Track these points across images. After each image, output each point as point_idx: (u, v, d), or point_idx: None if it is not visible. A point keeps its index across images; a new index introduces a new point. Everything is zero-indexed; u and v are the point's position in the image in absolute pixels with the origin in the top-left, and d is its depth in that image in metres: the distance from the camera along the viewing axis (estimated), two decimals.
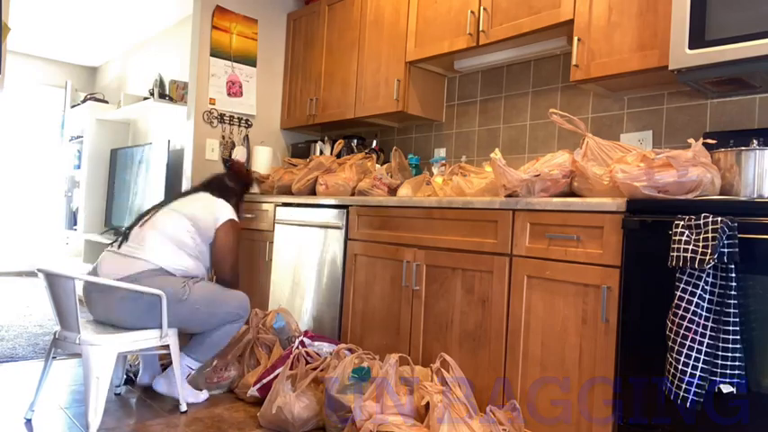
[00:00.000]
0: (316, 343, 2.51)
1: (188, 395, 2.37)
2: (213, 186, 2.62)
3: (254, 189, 3.54)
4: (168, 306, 2.18)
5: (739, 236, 1.48)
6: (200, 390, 2.45)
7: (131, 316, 2.14)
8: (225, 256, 2.42)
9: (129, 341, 2.11)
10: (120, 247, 2.27)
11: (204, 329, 2.34)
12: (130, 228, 2.35)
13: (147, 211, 2.41)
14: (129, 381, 2.59)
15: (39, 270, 2.06)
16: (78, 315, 2.00)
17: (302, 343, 2.48)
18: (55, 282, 2.03)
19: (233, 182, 2.70)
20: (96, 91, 6.33)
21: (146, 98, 4.74)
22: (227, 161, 2.78)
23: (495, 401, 2.05)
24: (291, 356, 2.29)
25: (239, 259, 2.50)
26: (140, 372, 2.56)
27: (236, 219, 2.49)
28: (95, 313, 2.21)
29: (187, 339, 2.43)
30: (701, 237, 1.48)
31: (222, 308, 2.32)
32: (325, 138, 3.78)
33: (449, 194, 2.38)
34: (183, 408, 2.26)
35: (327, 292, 2.85)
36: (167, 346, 2.25)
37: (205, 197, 2.49)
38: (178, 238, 2.30)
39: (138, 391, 2.50)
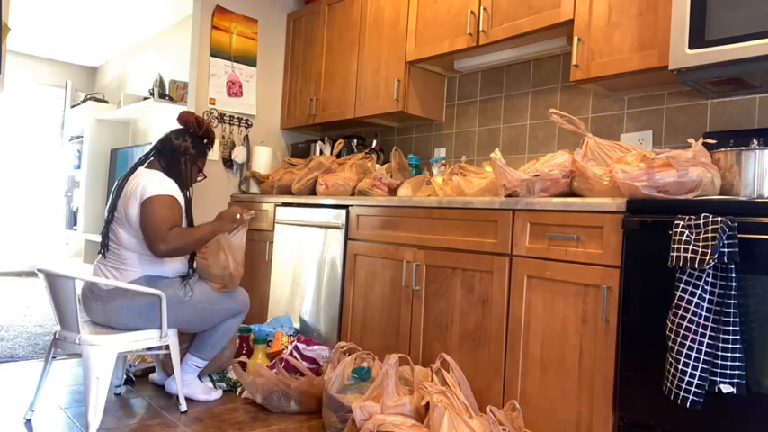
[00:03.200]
0: (314, 347, 2.52)
1: (200, 393, 2.39)
2: (156, 152, 2.30)
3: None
4: (171, 308, 2.17)
5: (739, 236, 1.48)
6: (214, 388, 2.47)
7: (131, 321, 2.14)
8: (147, 228, 2.09)
9: (128, 341, 2.11)
10: (105, 257, 2.21)
11: (206, 328, 2.33)
12: (105, 232, 2.22)
13: (110, 207, 2.21)
14: (129, 381, 2.59)
15: (39, 270, 2.05)
16: (78, 315, 2.00)
17: (296, 348, 2.48)
18: (55, 282, 2.02)
19: (181, 138, 2.31)
20: (96, 91, 6.33)
21: (146, 98, 4.74)
22: (179, 115, 2.37)
23: (495, 401, 2.05)
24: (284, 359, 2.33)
25: (169, 229, 2.12)
26: (156, 370, 2.59)
27: (160, 193, 2.13)
28: (94, 319, 2.21)
29: (188, 338, 2.44)
30: (701, 237, 1.48)
31: (222, 304, 2.31)
32: (325, 138, 3.78)
33: (449, 194, 2.38)
34: (183, 408, 2.26)
35: (327, 292, 2.85)
36: (168, 346, 2.25)
37: (136, 179, 2.18)
38: (135, 247, 2.16)
39: (138, 390, 2.50)
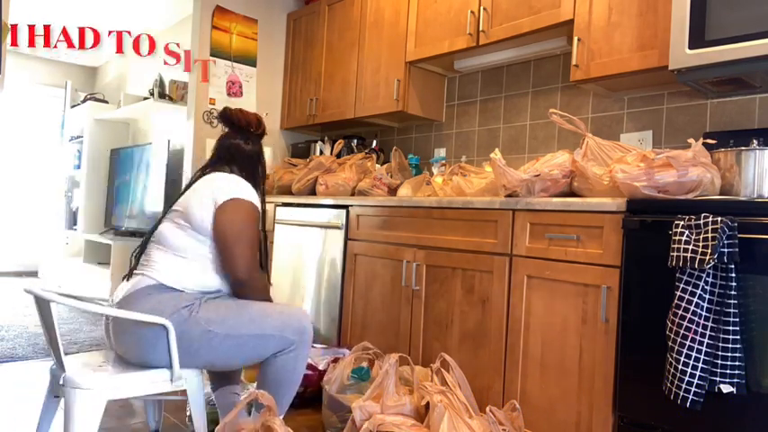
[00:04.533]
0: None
1: None
2: (227, 160, 1.85)
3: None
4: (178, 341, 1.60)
5: (739, 236, 1.48)
6: None
7: (138, 350, 1.61)
8: (228, 241, 1.65)
9: (128, 383, 1.56)
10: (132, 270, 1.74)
11: (234, 365, 1.72)
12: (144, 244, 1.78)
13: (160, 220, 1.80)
14: None
15: (27, 291, 1.54)
16: (60, 345, 1.48)
17: None
18: (39, 303, 1.55)
19: (250, 143, 1.89)
20: (96, 91, 6.32)
21: (146, 98, 4.73)
22: (226, 113, 1.89)
23: (495, 401, 2.05)
24: None
25: (258, 256, 1.76)
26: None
27: (248, 198, 1.73)
28: (117, 349, 1.70)
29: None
30: (701, 237, 1.48)
31: (254, 330, 1.66)
32: (325, 138, 3.78)
33: (449, 194, 2.38)
34: None
35: (327, 292, 2.85)
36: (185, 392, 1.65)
37: (209, 179, 1.77)
38: (173, 241, 1.69)
39: None
